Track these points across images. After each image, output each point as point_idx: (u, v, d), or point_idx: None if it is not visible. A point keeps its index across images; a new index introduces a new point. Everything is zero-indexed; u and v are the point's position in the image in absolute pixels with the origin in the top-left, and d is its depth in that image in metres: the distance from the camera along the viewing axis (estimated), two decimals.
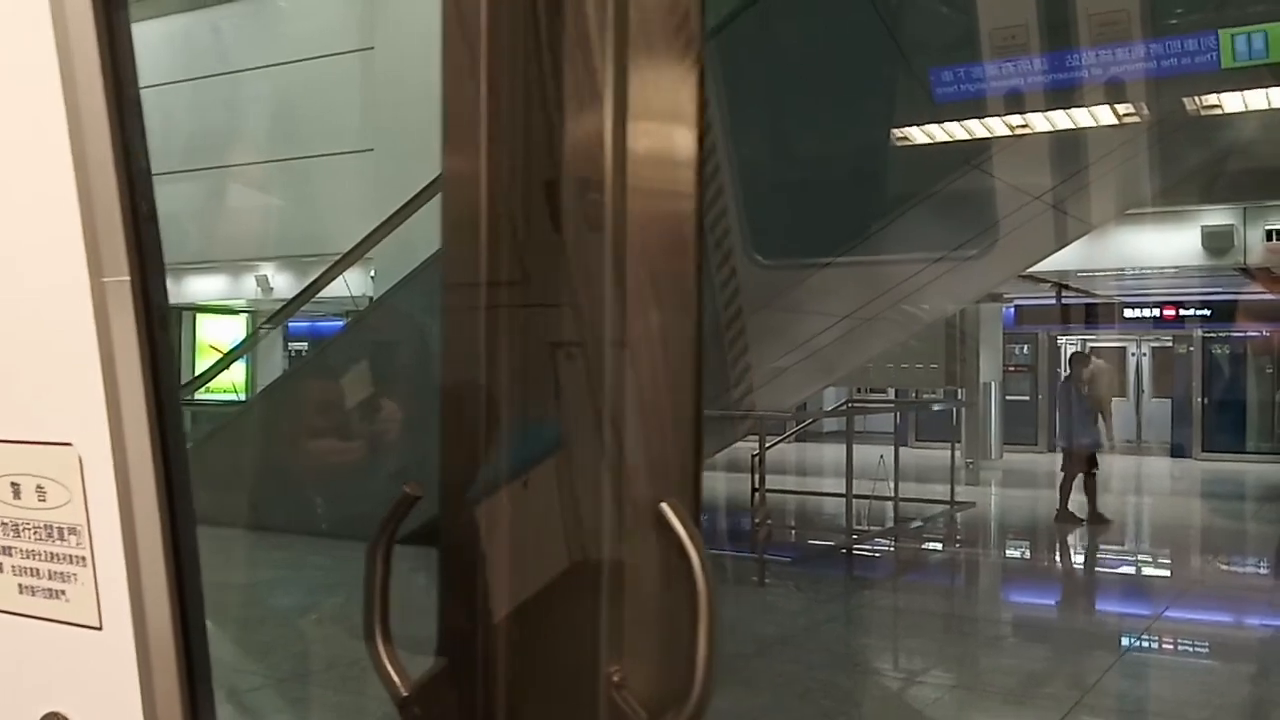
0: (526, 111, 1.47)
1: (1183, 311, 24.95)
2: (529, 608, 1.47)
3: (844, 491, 13.53)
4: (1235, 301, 23.05)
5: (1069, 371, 16.30)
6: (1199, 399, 25.13)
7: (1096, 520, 14.97)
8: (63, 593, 1.56)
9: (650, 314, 1.44)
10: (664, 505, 1.34)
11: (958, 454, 18.46)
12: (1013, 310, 24.86)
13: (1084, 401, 15.27)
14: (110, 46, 1.53)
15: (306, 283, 14.26)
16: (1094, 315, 24.97)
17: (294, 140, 16.72)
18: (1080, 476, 15.10)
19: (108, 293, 1.51)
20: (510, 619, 1.48)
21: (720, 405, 12.89)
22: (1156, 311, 24.98)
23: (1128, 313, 24.60)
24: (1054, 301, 23.13)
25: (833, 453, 14.75)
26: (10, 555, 1.59)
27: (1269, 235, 17.05)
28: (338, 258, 13.27)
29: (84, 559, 1.53)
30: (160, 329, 1.54)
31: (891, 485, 15.25)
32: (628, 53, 1.40)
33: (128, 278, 1.53)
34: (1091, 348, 25.44)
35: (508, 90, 1.48)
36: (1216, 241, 17.44)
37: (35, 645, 1.58)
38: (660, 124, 1.45)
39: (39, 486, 1.55)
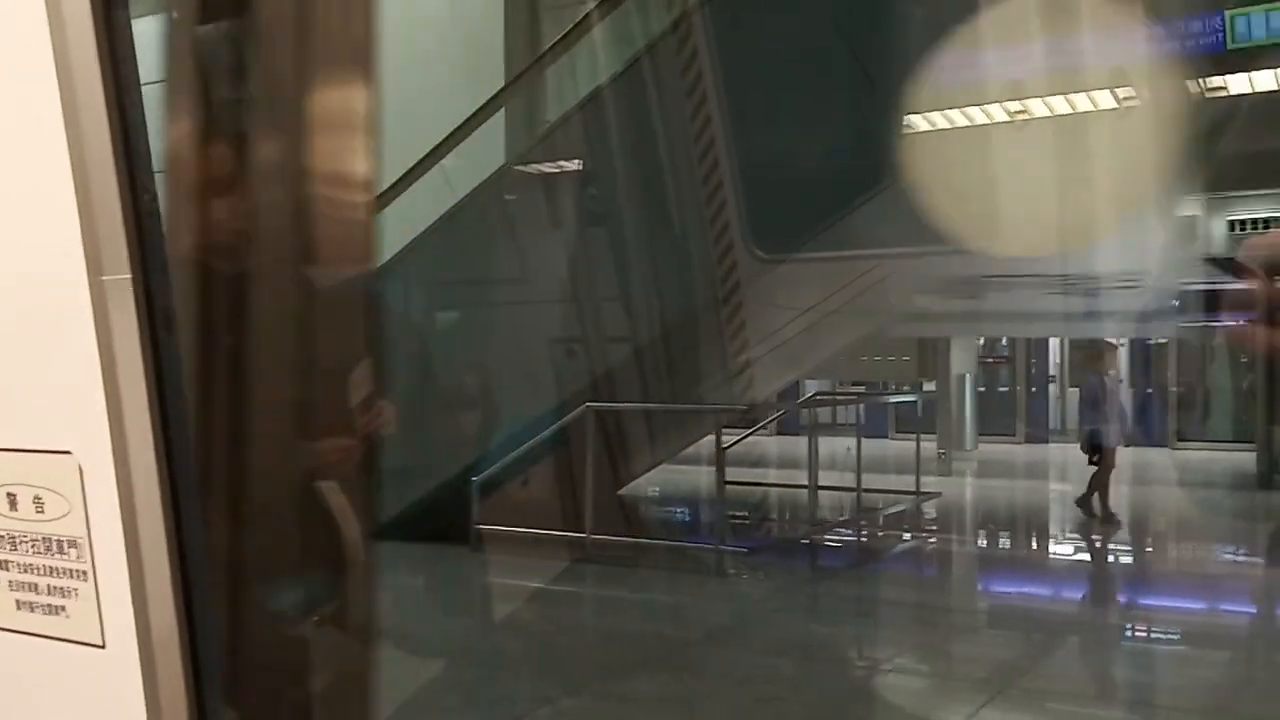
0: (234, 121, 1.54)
1: None
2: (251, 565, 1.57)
3: (808, 483, 13.38)
4: (1207, 293, 22.99)
5: (1100, 361, 15.69)
6: (1174, 389, 25.10)
7: (1101, 516, 14.51)
8: (63, 609, 1.46)
9: (322, 313, 1.49)
10: (320, 485, 1.42)
11: (929, 446, 18.46)
12: None
13: (1113, 393, 14.81)
14: (109, 36, 1.42)
15: None
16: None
17: None
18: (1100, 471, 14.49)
19: (108, 292, 1.41)
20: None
21: (686, 400, 12.86)
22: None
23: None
24: None
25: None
26: (6, 570, 1.49)
27: (1231, 226, 17.07)
28: None
29: (85, 573, 1.43)
30: (164, 329, 1.44)
31: (863, 476, 15.15)
32: (308, 64, 1.46)
33: (129, 275, 1.42)
34: (1072, 340, 25.39)
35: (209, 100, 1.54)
36: (1181, 232, 17.44)
37: (34, 664, 1.48)
38: (336, 129, 1.53)
39: (36, 497, 1.45)
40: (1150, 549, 14.81)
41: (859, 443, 14.93)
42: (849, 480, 14.95)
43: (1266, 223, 16.63)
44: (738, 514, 13.85)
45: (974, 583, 12.89)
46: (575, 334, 12.33)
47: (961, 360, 22.85)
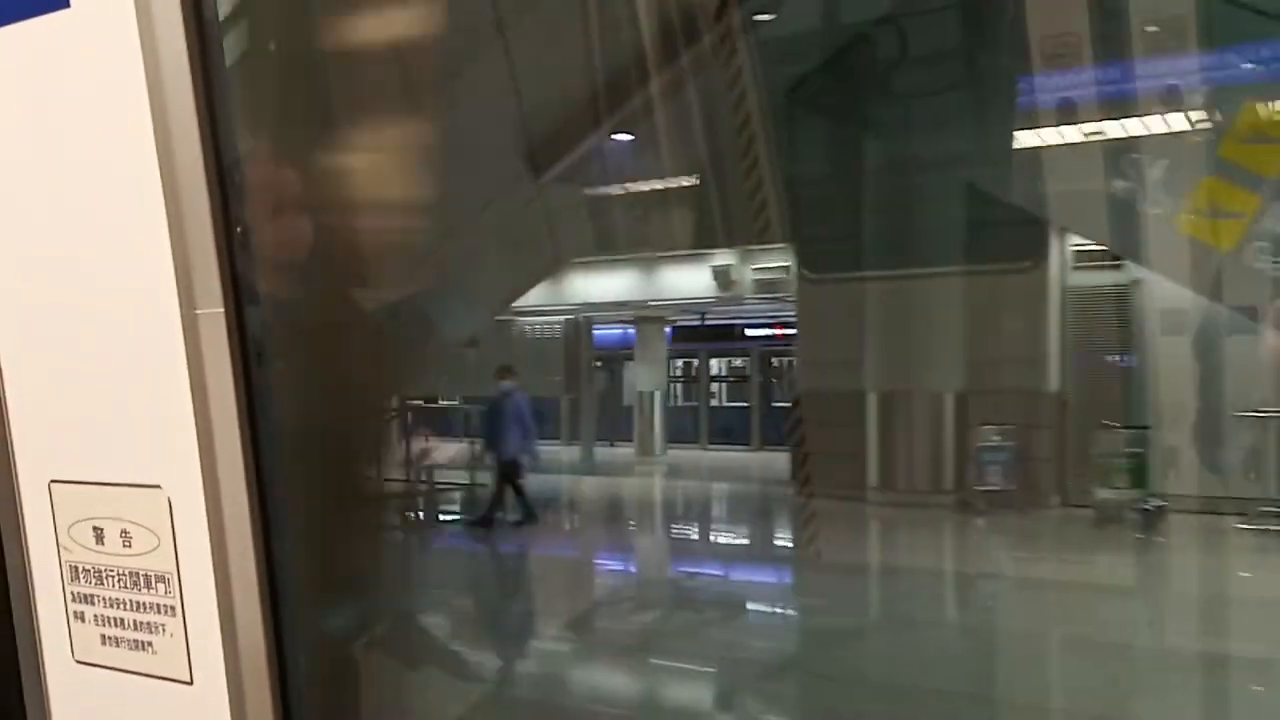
0: None
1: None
2: None
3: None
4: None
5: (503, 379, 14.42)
6: (753, 403, 25.95)
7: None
8: (150, 644, 1.25)
9: None
10: None
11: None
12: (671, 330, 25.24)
13: (509, 409, 13.41)
14: (204, 75, 1.23)
15: None
16: (722, 336, 25.50)
17: None
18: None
19: (200, 325, 1.22)
20: None
21: None
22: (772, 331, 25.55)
23: (751, 332, 25.20)
24: (699, 323, 23.86)
25: None
26: (92, 604, 1.28)
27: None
28: None
29: (173, 609, 1.23)
30: (256, 363, 1.25)
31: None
32: None
33: (222, 309, 1.23)
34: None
35: None
36: (722, 277, 18.58)
37: (120, 700, 1.28)
38: None
39: (124, 531, 1.25)
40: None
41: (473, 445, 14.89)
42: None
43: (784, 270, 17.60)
44: None
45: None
46: None
47: (650, 378, 23.46)
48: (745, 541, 14.66)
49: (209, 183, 1.21)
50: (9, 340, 1.33)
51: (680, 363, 27.61)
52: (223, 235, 1.22)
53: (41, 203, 1.28)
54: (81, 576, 1.27)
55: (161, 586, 1.22)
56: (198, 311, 1.21)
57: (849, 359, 13.42)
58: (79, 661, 1.30)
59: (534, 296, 18.03)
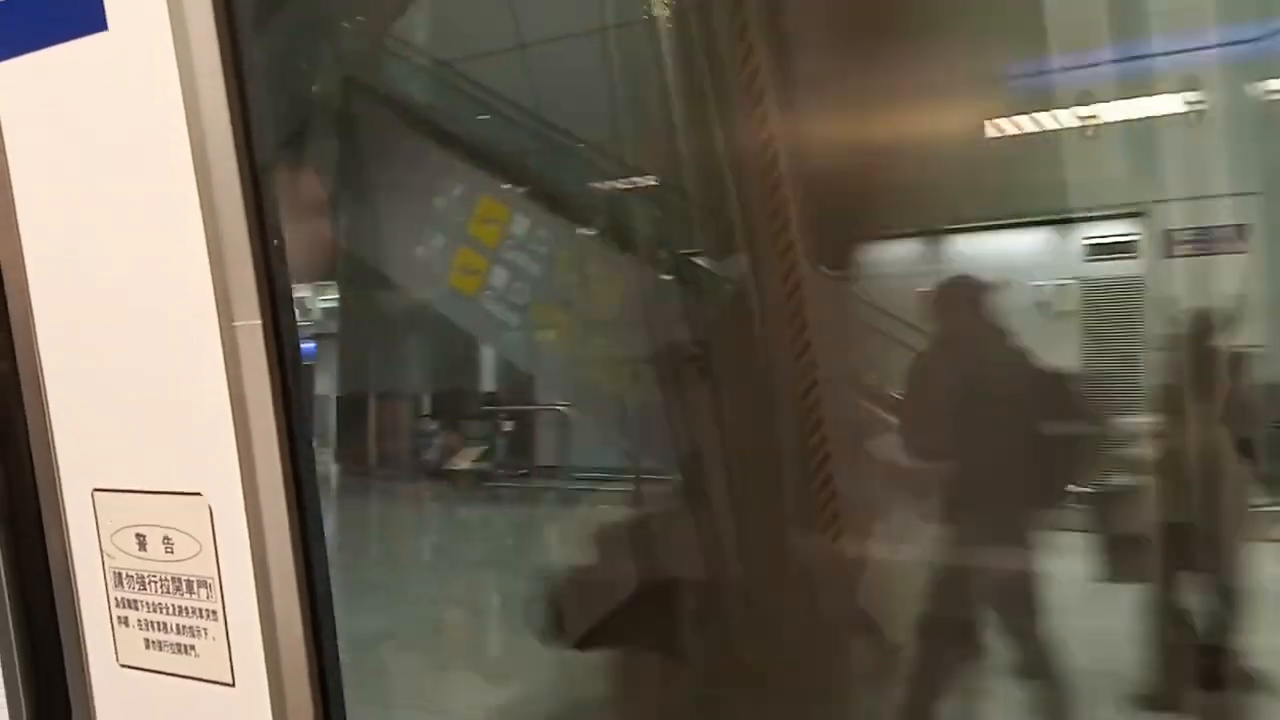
0: None
1: None
2: None
3: None
4: None
5: None
6: None
7: None
8: (192, 648, 1.23)
9: None
10: None
11: None
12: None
13: None
14: (239, 87, 1.22)
15: None
16: None
17: None
18: None
19: (239, 337, 1.21)
20: None
21: None
22: None
23: None
24: None
25: None
26: (135, 609, 1.24)
27: None
28: None
29: (215, 613, 1.21)
30: (294, 373, 1.24)
31: None
32: None
33: (259, 321, 1.22)
34: None
35: None
36: (300, 305, 18.72)
37: (163, 702, 1.24)
38: None
39: (166, 538, 1.21)
40: None
41: None
42: None
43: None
44: None
45: None
46: None
47: (329, 383, 23.13)
48: None
49: (245, 197, 1.20)
50: (53, 354, 1.26)
51: None
52: (259, 249, 1.21)
53: (82, 219, 1.23)
54: (125, 582, 1.22)
55: (203, 591, 1.19)
56: (236, 324, 1.19)
57: (362, 368, 14.99)
58: (123, 665, 1.25)
59: None
